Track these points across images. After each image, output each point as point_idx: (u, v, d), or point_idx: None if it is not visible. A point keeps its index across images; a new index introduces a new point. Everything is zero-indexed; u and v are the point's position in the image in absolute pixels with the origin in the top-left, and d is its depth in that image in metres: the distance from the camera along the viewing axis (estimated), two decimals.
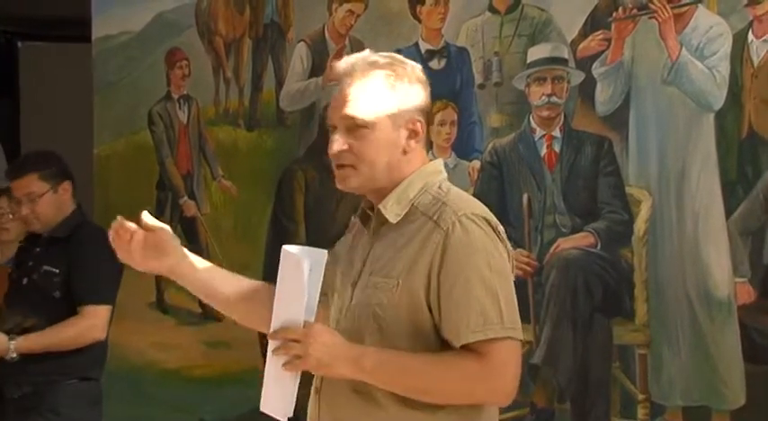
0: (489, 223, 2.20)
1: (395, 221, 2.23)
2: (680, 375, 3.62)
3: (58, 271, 3.82)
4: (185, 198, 5.37)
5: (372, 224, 2.28)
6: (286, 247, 2.19)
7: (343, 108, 2.22)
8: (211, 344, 3.74)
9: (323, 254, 2.16)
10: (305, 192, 4.82)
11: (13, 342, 3.76)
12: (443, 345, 2.18)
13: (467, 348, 2.14)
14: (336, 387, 2.22)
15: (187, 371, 3.93)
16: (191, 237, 5.33)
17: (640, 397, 3.71)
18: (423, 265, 2.16)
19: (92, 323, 3.81)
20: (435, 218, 2.18)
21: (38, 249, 3.91)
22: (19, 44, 8.12)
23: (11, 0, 6.88)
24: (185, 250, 2.43)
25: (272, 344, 2.16)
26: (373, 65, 2.24)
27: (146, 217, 2.40)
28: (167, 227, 2.41)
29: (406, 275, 2.17)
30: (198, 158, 5.32)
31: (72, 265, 3.83)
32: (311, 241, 2.99)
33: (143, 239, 2.37)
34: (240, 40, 5.15)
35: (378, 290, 2.19)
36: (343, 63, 2.27)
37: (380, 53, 2.29)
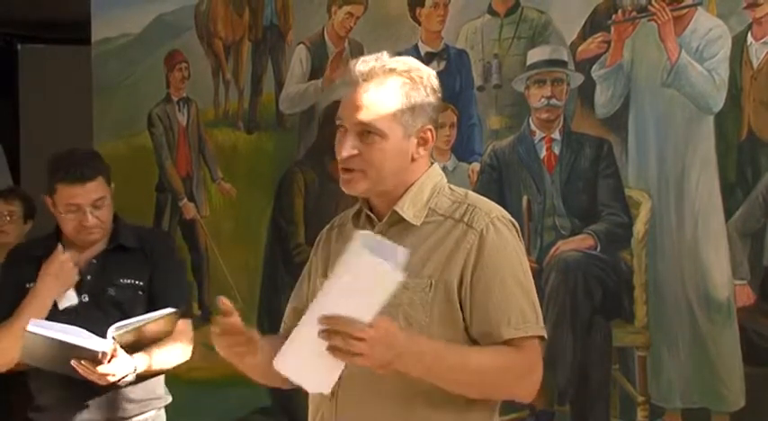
0: (514, 225, 2.26)
1: (418, 223, 2.24)
2: (679, 377, 3.62)
3: (142, 283, 3.30)
4: (185, 200, 5.37)
5: (379, 226, 2.27)
6: (365, 240, 1.99)
7: (358, 113, 2.20)
8: (212, 346, 3.72)
9: (405, 252, 2.04)
10: (304, 194, 4.81)
11: (135, 363, 3.11)
12: (472, 344, 2.20)
13: (506, 343, 2.17)
14: (358, 390, 2.19)
15: (187, 374, 3.91)
16: (190, 239, 5.33)
17: (640, 399, 3.71)
18: (456, 264, 2.19)
19: (190, 337, 3.39)
20: (466, 220, 2.22)
21: (93, 261, 3.31)
22: (18, 46, 8.12)
23: (10, 2, 6.87)
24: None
25: (320, 325, 1.98)
26: (392, 72, 2.23)
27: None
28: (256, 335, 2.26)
29: (439, 275, 2.19)
30: (197, 161, 5.31)
31: (161, 278, 3.32)
32: (310, 243, 2.99)
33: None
34: (239, 43, 5.15)
35: (407, 290, 2.16)
36: (362, 65, 2.23)
37: (398, 58, 2.27)
